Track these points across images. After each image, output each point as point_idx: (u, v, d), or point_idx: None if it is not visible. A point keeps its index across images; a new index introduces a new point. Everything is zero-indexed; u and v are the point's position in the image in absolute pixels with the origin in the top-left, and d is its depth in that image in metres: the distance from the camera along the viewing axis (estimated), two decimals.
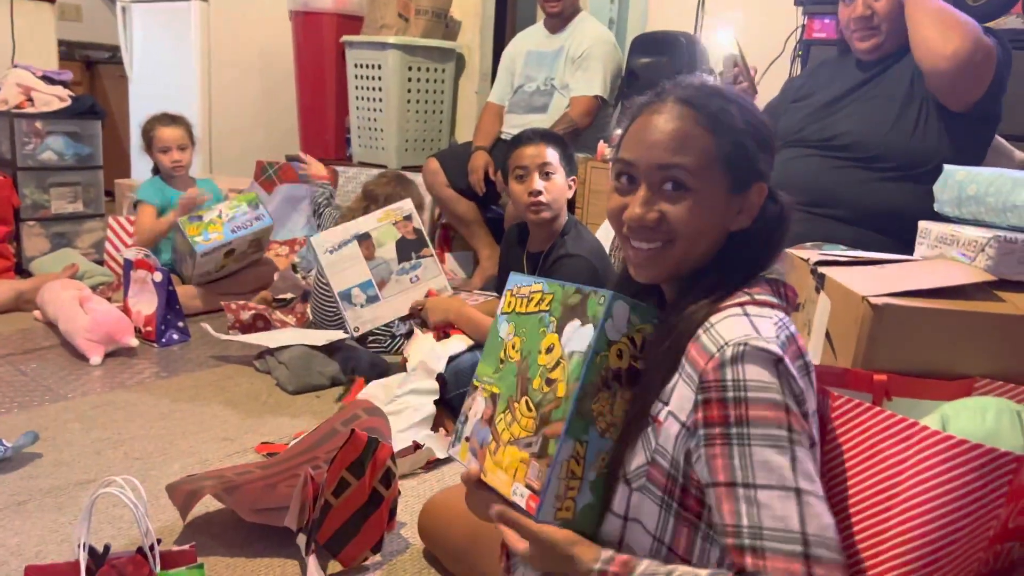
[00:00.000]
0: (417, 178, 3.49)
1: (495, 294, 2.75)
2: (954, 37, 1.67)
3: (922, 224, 1.35)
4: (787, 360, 0.84)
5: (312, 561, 1.39)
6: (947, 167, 1.37)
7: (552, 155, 2.06)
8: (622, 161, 0.97)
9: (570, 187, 2.10)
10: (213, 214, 2.89)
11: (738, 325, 0.86)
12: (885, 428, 0.93)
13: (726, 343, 0.85)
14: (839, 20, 1.97)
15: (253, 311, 2.74)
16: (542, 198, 2.04)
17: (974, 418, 0.98)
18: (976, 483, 0.86)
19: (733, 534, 0.80)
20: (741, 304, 0.90)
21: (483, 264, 3.31)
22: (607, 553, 0.87)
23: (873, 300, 1.06)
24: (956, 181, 1.32)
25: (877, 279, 1.15)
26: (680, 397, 0.88)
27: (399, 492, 1.55)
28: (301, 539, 1.43)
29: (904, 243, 1.50)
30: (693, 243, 0.94)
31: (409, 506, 1.69)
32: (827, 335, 1.19)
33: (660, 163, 0.92)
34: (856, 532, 0.93)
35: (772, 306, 0.91)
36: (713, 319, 0.89)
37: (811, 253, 1.31)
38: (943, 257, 1.26)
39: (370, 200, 2.72)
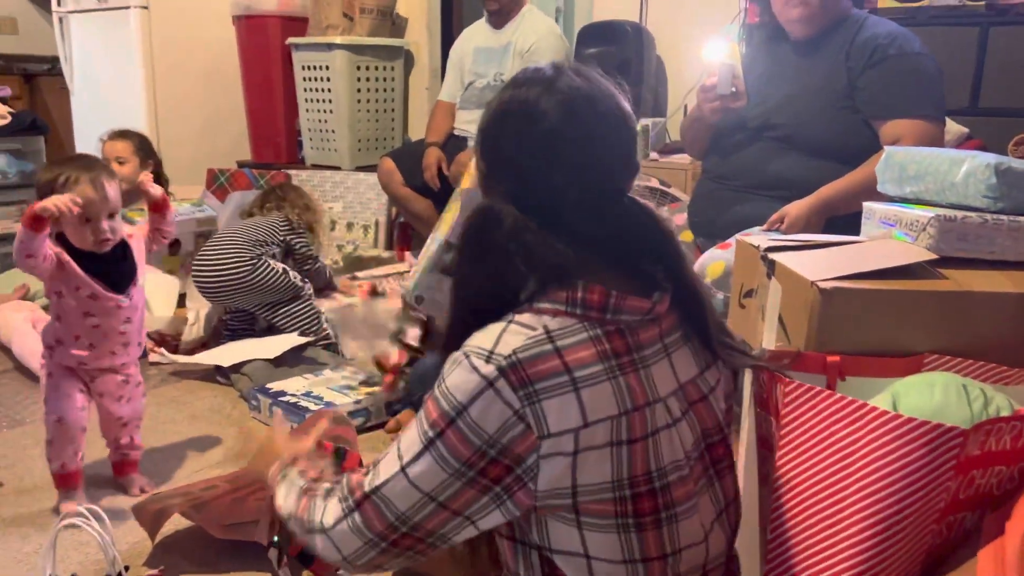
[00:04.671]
0: (372, 177, 3.48)
1: None
2: None
3: (867, 205, 1.38)
4: (501, 384, 0.81)
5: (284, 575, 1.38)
6: (888, 148, 1.40)
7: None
8: None
9: None
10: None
11: (485, 336, 0.85)
12: (836, 411, 0.95)
13: (460, 349, 0.85)
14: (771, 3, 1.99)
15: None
16: None
17: (923, 394, 1.00)
18: (925, 459, 0.89)
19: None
20: (517, 311, 0.87)
21: None
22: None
23: (821, 285, 1.08)
24: (897, 162, 1.35)
25: (825, 263, 1.17)
26: None
27: None
28: (272, 553, 1.42)
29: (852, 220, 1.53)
30: None
31: None
32: (780, 319, 1.21)
33: None
34: (815, 514, 0.96)
35: (556, 314, 0.85)
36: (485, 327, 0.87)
37: (761, 239, 1.33)
38: (888, 237, 1.29)
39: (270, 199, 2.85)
